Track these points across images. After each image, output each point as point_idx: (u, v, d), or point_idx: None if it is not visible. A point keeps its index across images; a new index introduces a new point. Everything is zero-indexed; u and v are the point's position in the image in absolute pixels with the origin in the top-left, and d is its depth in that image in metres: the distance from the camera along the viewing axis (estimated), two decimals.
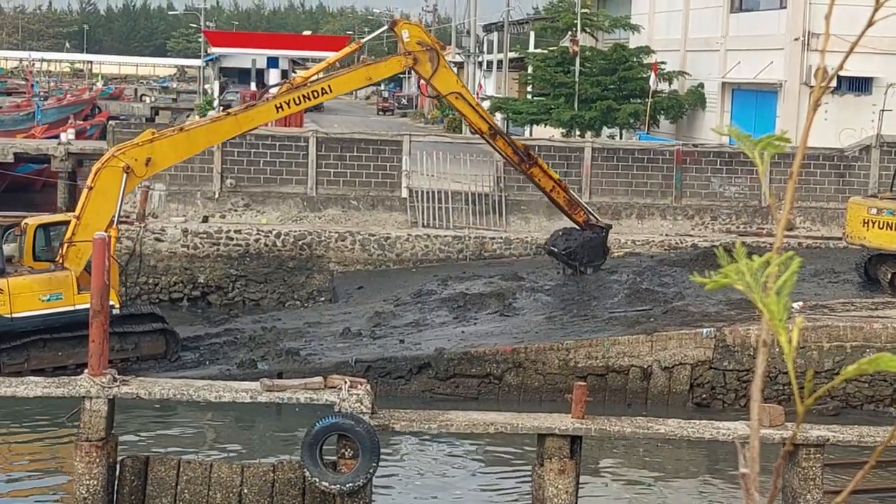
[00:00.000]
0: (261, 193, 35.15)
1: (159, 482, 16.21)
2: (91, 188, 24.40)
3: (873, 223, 27.85)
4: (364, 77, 26.68)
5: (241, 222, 34.28)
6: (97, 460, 15.87)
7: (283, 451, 20.89)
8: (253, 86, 54.64)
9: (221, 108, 51.66)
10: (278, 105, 25.64)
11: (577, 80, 46.66)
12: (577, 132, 46.45)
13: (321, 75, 27.06)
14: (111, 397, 16.08)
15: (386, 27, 27.95)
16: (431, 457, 21.32)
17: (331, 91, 26.24)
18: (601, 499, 19.69)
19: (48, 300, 24.04)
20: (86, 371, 16.31)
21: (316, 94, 25.79)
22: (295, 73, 79.09)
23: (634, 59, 47.64)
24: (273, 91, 27.47)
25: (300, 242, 33.43)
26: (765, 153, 2.48)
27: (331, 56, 28.42)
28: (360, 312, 28.71)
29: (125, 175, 24.15)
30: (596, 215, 30.13)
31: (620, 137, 46.96)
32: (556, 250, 29.74)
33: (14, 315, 23.82)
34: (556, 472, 16.25)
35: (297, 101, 25.87)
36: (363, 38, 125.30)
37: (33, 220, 26.06)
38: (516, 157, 28.01)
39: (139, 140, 25.02)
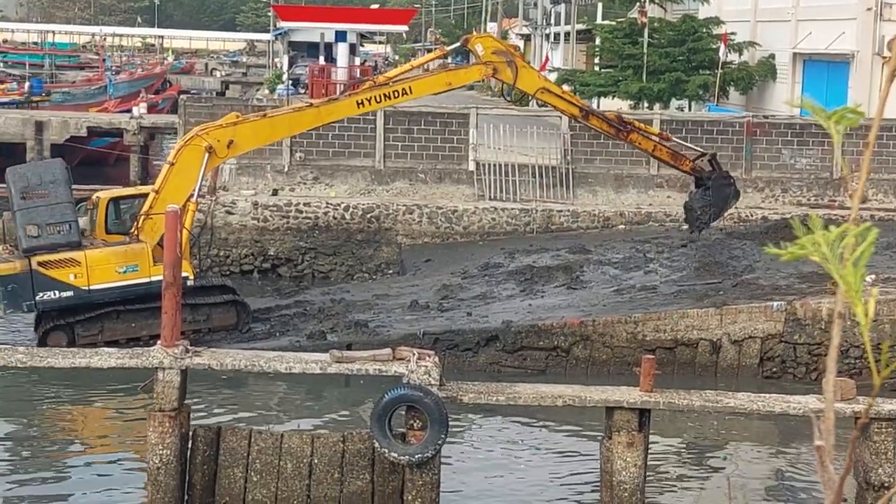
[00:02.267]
0: (329, 167, 35.32)
1: (231, 452, 16.41)
2: (172, 164, 24.68)
3: None
4: (444, 82, 26.75)
5: (310, 195, 34.48)
6: (170, 430, 16.09)
7: (351, 421, 21.07)
8: (321, 59, 54.77)
9: (290, 81, 51.90)
10: (359, 101, 25.87)
11: (645, 51, 46.33)
12: (646, 104, 46.16)
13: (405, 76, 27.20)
14: (183, 368, 16.29)
15: (460, 43, 28.16)
16: (499, 429, 21.38)
17: (411, 92, 26.39)
18: (670, 472, 19.66)
19: (124, 272, 24.40)
20: (159, 342, 16.53)
21: (397, 93, 25.98)
22: (363, 46, 79.24)
23: (704, 30, 47.21)
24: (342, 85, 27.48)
25: (368, 215, 33.57)
26: (839, 125, 2.47)
27: (418, 59, 28.59)
28: (427, 285, 28.80)
29: (207, 155, 24.42)
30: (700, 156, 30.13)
31: (689, 109, 46.59)
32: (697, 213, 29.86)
33: (91, 287, 24.21)
34: (625, 445, 16.24)
35: (378, 100, 26.07)
36: (430, 10, 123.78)
37: (105, 193, 26.40)
38: (612, 130, 28.38)
39: (223, 122, 25.28)
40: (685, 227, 30.66)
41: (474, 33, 29.74)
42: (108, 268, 24.35)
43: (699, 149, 30.64)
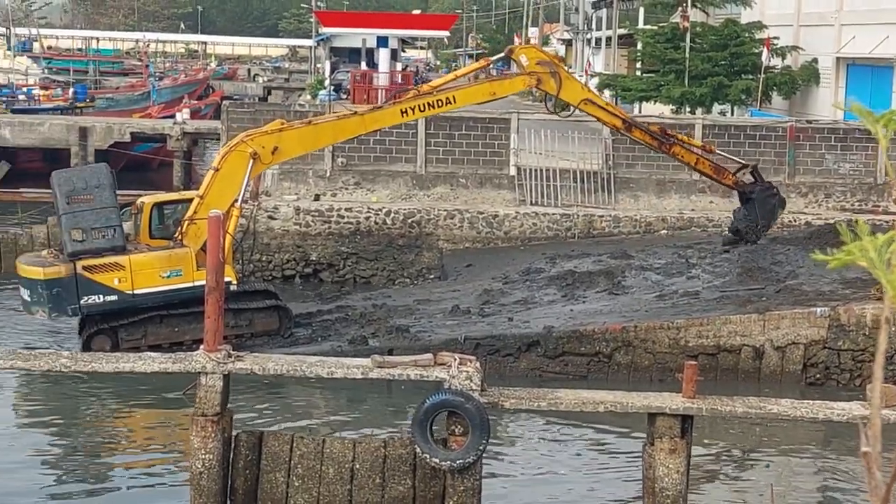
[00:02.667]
0: (371, 172, 35.41)
1: (273, 456, 16.47)
2: (217, 170, 24.84)
3: None
4: (488, 92, 26.71)
5: (351, 200, 34.59)
6: (213, 435, 16.16)
7: (393, 426, 21.10)
8: (363, 65, 54.94)
9: (332, 87, 52.07)
10: (403, 110, 25.95)
11: (687, 56, 46.15)
12: (688, 109, 45.97)
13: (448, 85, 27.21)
14: (226, 373, 16.36)
15: (504, 53, 28.11)
16: (540, 434, 21.35)
17: (455, 102, 26.42)
18: (712, 479, 19.56)
19: (168, 277, 24.58)
20: (201, 347, 16.61)
21: (440, 102, 26.05)
22: (404, 51, 79.39)
23: (746, 35, 46.99)
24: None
25: (409, 220, 33.62)
26: (887, 129, 2.46)
27: (462, 69, 28.55)
28: (468, 290, 28.80)
29: (251, 161, 24.57)
30: (742, 171, 29.86)
31: (732, 114, 46.37)
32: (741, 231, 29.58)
33: (135, 291, 24.40)
34: (667, 451, 16.16)
35: (422, 108, 26.13)
36: (471, 16, 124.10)
37: (149, 198, 26.59)
38: (655, 142, 28.21)
39: (269, 128, 25.43)
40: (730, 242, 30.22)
41: (519, 44, 29.75)
42: (153, 272, 24.53)
43: (740, 160, 30.37)
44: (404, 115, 26.15)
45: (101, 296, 24.25)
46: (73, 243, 24.10)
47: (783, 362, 24.38)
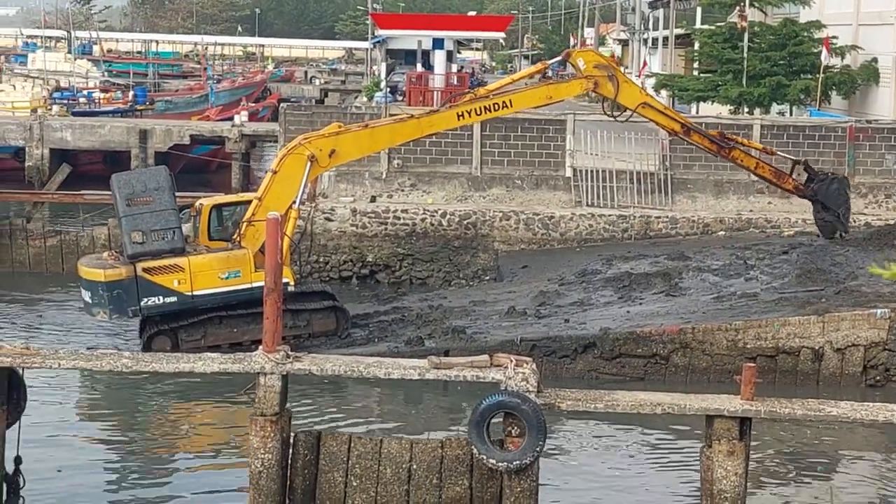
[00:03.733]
0: (427, 173, 35.54)
1: (331, 456, 16.58)
2: (275, 172, 25.06)
3: None
4: (545, 95, 26.73)
5: (407, 202, 34.72)
6: (271, 435, 16.29)
7: (449, 426, 21.16)
8: (419, 67, 55.00)
9: (388, 89, 52.25)
10: (460, 113, 26.14)
11: (745, 55, 45.85)
12: (746, 109, 45.67)
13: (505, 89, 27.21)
14: (285, 373, 16.49)
15: (561, 57, 28.07)
16: (597, 436, 21.32)
17: (511, 106, 26.54)
18: (770, 481, 19.45)
19: (227, 278, 24.82)
20: (260, 347, 16.76)
21: (497, 106, 26.14)
22: (459, 52, 79.40)
23: (805, 34, 46.58)
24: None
25: (465, 222, 33.69)
26: None
27: (519, 72, 28.54)
28: (524, 291, 28.81)
29: (309, 164, 24.80)
30: (804, 171, 29.90)
31: (790, 114, 46.02)
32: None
33: (194, 293, 24.65)
34: (725, 453, 16.10)
35: (479, 112, 26.28)
36: (526, 17, 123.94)
37: (208, 200, 26.84)
38: (714, 146, 28.30)
39: (326, 131, 25.66)
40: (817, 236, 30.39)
41: (574, 44, 29.72)
42: (211, 274, 24.77)
43: (792, 157, 30.31)
44: (460, 118, 26.26)
45: (160, 297, 24.53)
46: (133, 245, 24.38)
47: (843, 364, 24.20)
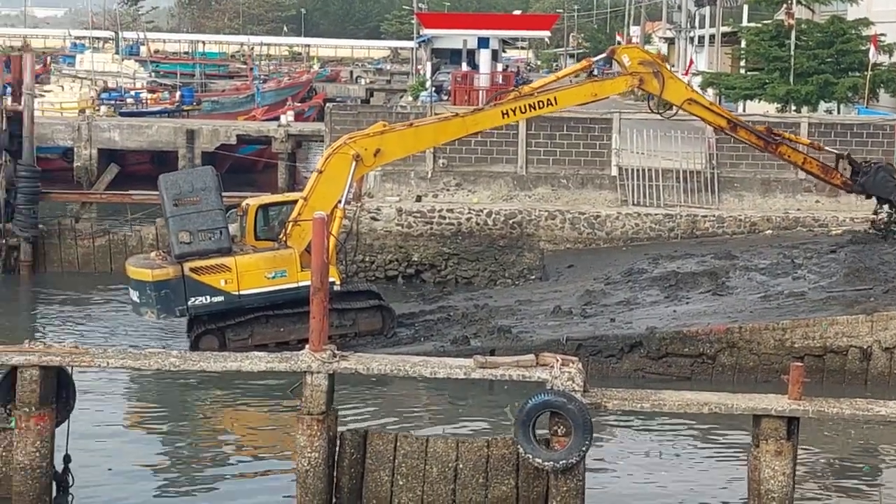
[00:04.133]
0: (472, 173, 35.56)
1: (377, 455, 16.64)
2: (321, 172, 25.17)
3: None
4: (590, 93, 26.59)
5: (453, 201, 34.76)
6: (318, 433, 16.37)
7: (495, 425, 21.17)
8: (464, 66, 55.03)
9: (433, 88, 52.31)
10: (504, 111, 26.07)
11: (792, 53, 45.55)
12: (793, 107, 45.37)
13: (550, 87, 27.15)
14: (331, 372, 16.57)
15: (606, 54, 27.91)
16: (643, 436, 21.27)
17: (556, 103, 26.38)
18: (818, 482, 19.33)
19: (273, 277, 24.95)
20: (307, 347, 16.84)
21: (542, 104, 26.05)
22: (504, 52, 79.31)
23: (853, 32, 46.20)
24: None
25: (511, 221, 33.68)
26: None
27: (564, 70, 28.46)
28: (570, 291, 28.77)
29: (354, 163, 24.89)
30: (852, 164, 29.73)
31: (838, 112, 45.66)
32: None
33: (241, 292, 24.80)
34: (773, 453, 16.03)
35: (523, 110, 26.19)
36: (572, 16, 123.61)
37: (254, 200, 26.98)
38: (761, 142, 28.07)
39: (371, 131, 25.72)
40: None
41: (619, 42, 29.66)
42: (258, 273, 24.90)
43: (834, 151, 30.13)
44: (505, 116, 26.21)
45: (208, 297, 24.69)
46: (181, 245, 24.54)
47: (891, 364, 24.01)
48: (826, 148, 30.25)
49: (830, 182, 29.45)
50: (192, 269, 24.57)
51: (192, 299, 24.60)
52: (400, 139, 25.69)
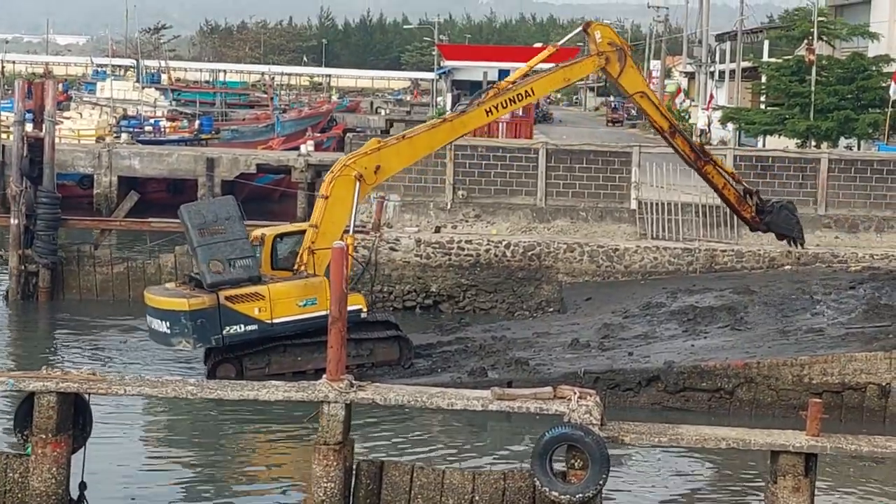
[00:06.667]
0: (491, 204, 35.61)
1: (394, 486, 16.59)
2: (327, 197, 25.35)
3: None
4: (562, 78, 28.24)
5: (472, 233, 34.79)
6: (334, 463, 16.34)
7: (512, 458, 21.10)
8: None
9: None
10: (487, 109, 27.07)
11: (812, 89, 45.57)
12: (813, 143, 45.35)
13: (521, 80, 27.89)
14: (348, 402, 16.55)
15: (579, 28, 28.98)
16: (660, 470, 21.17)
17: (533, 93, 27.81)
18: None
19: (304, 305, 25.03)
20: (324, 376, 16.83)
21: (520, 96, 27.18)
22: None
23: (873, 68, 46.25)
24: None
25: (529, 253, 33.68)
26: None
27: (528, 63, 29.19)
28: (588, 324, 28.72)
29: (357, 183, 25.25)
30: (757, 197, 30.61)
31: (858, 148, 45.63)
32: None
33: (274, 320, 24.85)
34: (791, 489, 15.94)
35: (504, 105, 27.29)
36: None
37: (270, 230, 27.07)
38: (693, 155, 29.14)
39: (367, 149, 26.19)
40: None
41: (594, 21, 30.39)
42: (290, 301, 24.98)
43: (745, 184, 30.84)
44: (489, 114, 27.23)
45: (242, 325, 24.72)
46: (213, 275, 24.53)
47: None
48: (743, 182, 30.72)
49: (740, 214, 30.48)
50: (227, 298, 24.57)
51: (227, 328, 24.60)
52: (396, 152, 26.24)
